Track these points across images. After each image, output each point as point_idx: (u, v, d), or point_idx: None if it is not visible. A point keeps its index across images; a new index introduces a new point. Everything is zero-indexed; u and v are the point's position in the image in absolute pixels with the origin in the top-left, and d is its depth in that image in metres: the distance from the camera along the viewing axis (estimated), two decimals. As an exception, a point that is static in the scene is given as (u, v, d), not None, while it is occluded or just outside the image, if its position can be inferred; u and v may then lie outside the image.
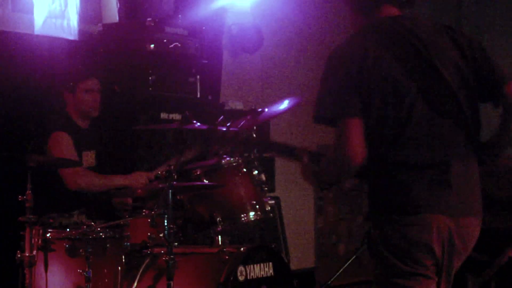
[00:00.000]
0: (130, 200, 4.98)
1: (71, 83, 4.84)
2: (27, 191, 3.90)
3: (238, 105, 6.38)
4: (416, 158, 2.42)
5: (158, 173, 4.66)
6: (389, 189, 2.46)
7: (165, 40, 5.50)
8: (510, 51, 7.89)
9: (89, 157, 4.89)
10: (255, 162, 4.79)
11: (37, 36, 5.30)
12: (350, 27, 2.72)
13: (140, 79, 5.43)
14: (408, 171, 2.43)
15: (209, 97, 6.08)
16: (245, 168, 4.64)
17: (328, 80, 2.48)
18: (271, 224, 6.07)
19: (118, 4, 5.83)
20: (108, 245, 4.23)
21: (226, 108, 6.23)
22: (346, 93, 2.40)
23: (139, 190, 4.79)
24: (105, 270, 4.31)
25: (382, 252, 2.43)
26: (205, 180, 4.58)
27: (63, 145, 4.66)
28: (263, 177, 4.76)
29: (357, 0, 2.69)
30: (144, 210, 4.49)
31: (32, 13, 5.30)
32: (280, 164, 6.79)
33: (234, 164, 4.67)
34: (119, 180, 4.84)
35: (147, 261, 4.41)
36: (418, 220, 2.40)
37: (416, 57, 2.45)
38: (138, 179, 4.80)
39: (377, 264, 2.54)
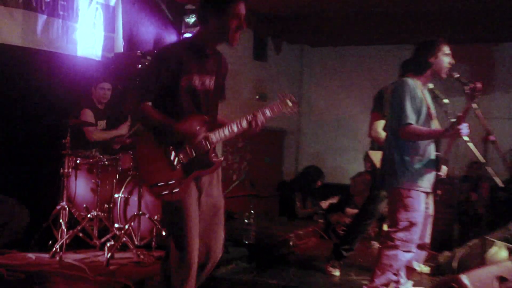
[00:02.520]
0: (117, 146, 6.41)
1: (95, 84, 6.45)
2: (67, 137, 5.48)
3: None
4: None
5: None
6: None
7: (146, 63, 6.72)
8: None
9: (102, 123, 6.43)
10: None
11: (79, 57, 6.81)
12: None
13: (131, 84, 6.56)
14: None
15: None
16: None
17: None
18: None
19: (123, 42, 7.45)
20: (109, 168, 5.92)
21: None
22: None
23: (126, 138, 6.20)
24: (107, 181, 5.94)
25: None
26: None
27: (87, 115, 6.18)
28: None
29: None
30: (130, 151, 6.01)
31: (76, 44, 6.79)
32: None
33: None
34: (113, 132, 6.38)
35: (129, 177, 5.99)
36: None
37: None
38: (123, 128, 6.39)
39: None
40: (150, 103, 3.29)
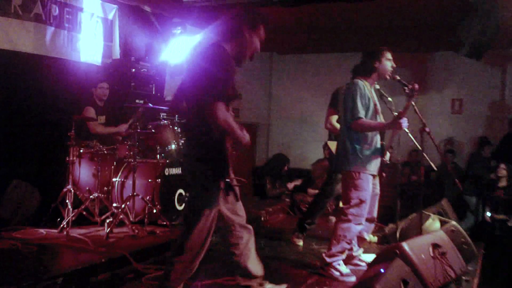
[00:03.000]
0: (119, 137, 6.36)
1: (95, 84, 6.38)
2: (72, 131, 5.43)
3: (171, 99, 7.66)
4: None
5: (129, 124, 6.06)
6: None
7: (139, 68, 7.23)
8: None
9: (102, 118, 6.33)
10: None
11: (82, 62, 6.79)
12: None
13: (127, 84, 7.03)
14: None
15: (158, 94, 7.64)
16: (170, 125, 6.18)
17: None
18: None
19: (119, 50, 7.38)
20: (108, 156, 5.84)
21: (166, 99, 7.43)
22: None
23: (123, 133, 6.17)
24: (106, 167, 5.87)
25: None
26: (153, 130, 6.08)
27: (90, 112, 6.12)
28: (178, 129, 6.29)
29: None
30: (125, 142, 6.07)
31: (79, 51, 6.77)
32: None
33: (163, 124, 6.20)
34: (113, 129, 6.28)
35: (125, 164, 5.97)
36: None
37: None
38: (122, 127, 6.24)
39: None
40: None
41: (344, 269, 4.59)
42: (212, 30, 3.40)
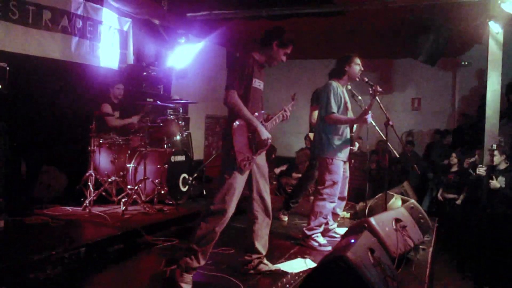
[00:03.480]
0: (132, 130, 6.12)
1: (112, 85, 6.35)
2: (93, 124, 5.50)
3: (177, 97, 7.39)
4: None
5: (140, 116, 6.02)
6: None
7: (149, 71, 7.20)
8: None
9: (117, 114, 6.24)
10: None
11: (101, 67, 6.75)
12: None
13: (139, 85, 7.05)
14: None
15: (165, 93, 7.65)
16: (175, 120, 6.19)
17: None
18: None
19: (133, 56, 7.32)
20: (123, 146, 5.80)
21: (173, 98, 7.46)
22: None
23: (135, 124, 6.06)
24: (121, 155, 5.81)
25: None
26: (161, 124, 6.07)
27: (107, 108, 6.07)
28: (182, 123, 6.34)
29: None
30: (137, 134, 5.96)
31: (99, 58, 6.71)
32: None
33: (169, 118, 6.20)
34: (127, 121, 6.22)
35: (137, 152, 5.86)
36: None
37: None
38: (134, 119, 6.17)
39: None
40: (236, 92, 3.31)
41: (321, 240, 4.61)
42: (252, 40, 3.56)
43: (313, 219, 4.58)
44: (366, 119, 4.31)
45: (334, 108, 4.43)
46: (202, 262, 3.38)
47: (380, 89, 4.34)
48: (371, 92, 4.38)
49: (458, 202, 7.58)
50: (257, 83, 3.47)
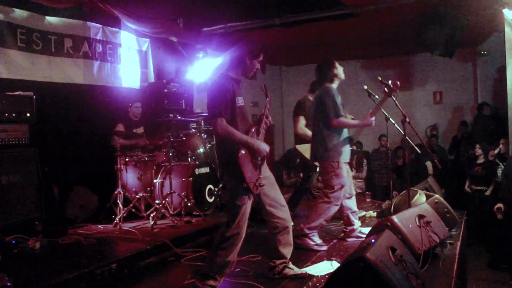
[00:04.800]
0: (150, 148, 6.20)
1: (130, 104, 6.41)
2: (118, 142, 5.68)
3: (199, 110, 7.51)
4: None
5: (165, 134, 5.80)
6: None
7: (170, 87, 7.20)
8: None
9: (140, 129, 6.34)
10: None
11: (123, 87, 6.88)
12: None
13: (161, 102, 7.01)
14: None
15: (188, 108, 7.63)
16: (197, 133, 6.22)
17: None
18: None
19: (154, 74, 7.46)
20: (148, 162, 5.86)
21: (195, 112, 7.52)
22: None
23: (161, 142, 5.94)
24: (148, 171, 5.88)
25: None
26: (183, 138, 6.07)
27: (119, 127, 6.09)
28: (205, 135, 6.36)
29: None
30: (162, 150, 5.91)
31: (121, 79, 6.84)
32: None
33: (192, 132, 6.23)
34: (132, 141, 6.10)
35: (163, 167, 5.88)
36: None
37: None
38: (141, 141, 6.20)
39: None
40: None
41: (317, 239, 4.62)
42: (224, 59, 3.59)
43: (315, 219, 4.54)
44: (371, 122, 4.34)
45: (342, 111, 4.44)
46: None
47: (397, 88, 4.31)
48: (386, 90, 4.33)
49: (488, 193, 7.40)
50: (240, 101, 3.43)
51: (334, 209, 4.56)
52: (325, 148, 4.52)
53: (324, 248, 4.50)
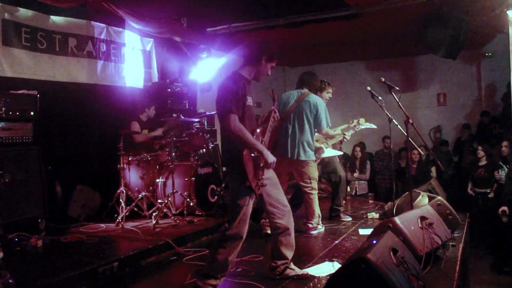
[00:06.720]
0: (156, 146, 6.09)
1: (148, 106, 6.40)
2: (121, 143, 5.56)
3: (202, 110, 7.57)
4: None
5: (164, 130, 6.05)
6: None
7: (174, 87, 7.16)
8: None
9: (146, 131, 6.25)
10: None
11: (127, 87, 6.90)
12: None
13: (165, 102, 6.95)
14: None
15: (191, 108, 7.59)
16: (200, 133, 6.11)
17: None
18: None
19: (157, 74, 7.45)
20: (151, 162, 5.84)
21: (198, 112, 7.58)
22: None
23: (163, 141, 5.88)
24: (150, 171, 5.87)
25: None
26: (186, 138, 6.06)
27: (135, 126, 6.13)
28: (207, 135, 6.19)
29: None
30: (165, 149, 5.85)
31: (125, 78, 6.83)
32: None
33: (193, 131, 6.14)
34: (151, 134, 6.18)
35: (165, 167, 5.85)
36: None
37: None
38: (158, 131, 6.14)
39: None
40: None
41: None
42: (238, 54, 3.45)
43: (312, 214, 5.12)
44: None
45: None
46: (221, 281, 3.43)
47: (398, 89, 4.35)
48: (392, 92, 4.34)
49: (491, 195, 7.36)
50: (250, 101, 3.40)
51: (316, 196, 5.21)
52: (309, 149, 5.09)
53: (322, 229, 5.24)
